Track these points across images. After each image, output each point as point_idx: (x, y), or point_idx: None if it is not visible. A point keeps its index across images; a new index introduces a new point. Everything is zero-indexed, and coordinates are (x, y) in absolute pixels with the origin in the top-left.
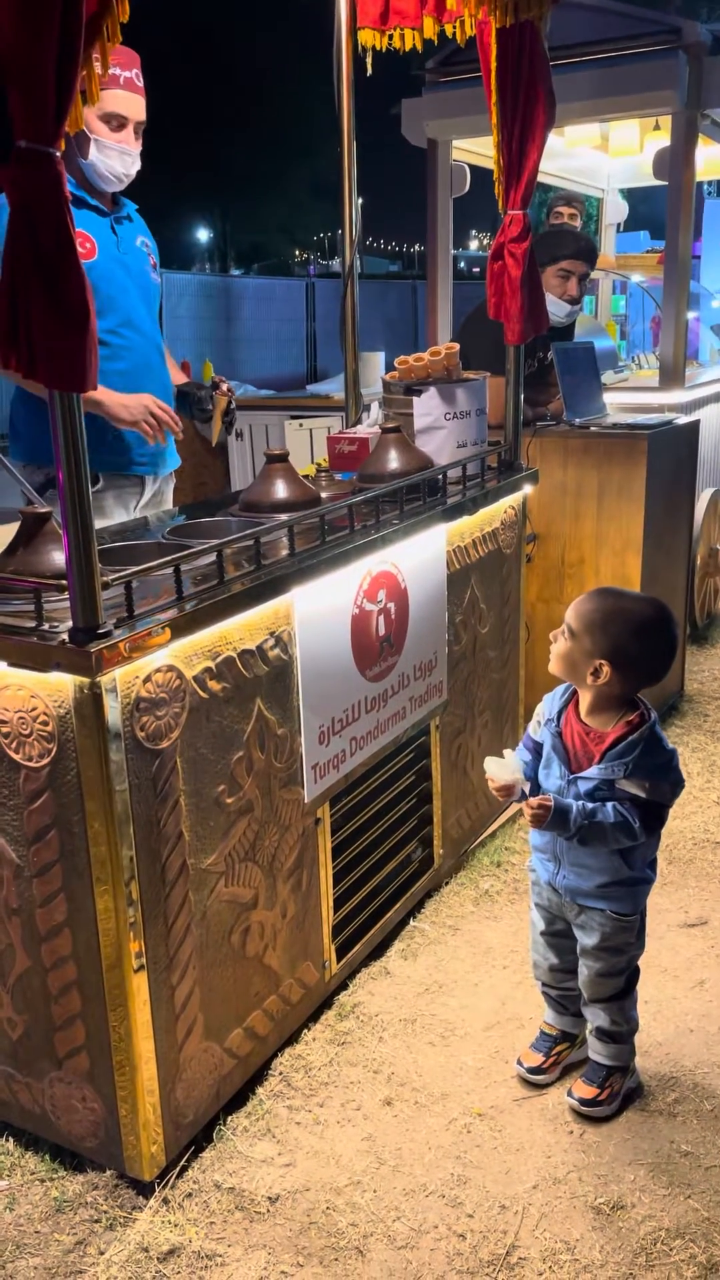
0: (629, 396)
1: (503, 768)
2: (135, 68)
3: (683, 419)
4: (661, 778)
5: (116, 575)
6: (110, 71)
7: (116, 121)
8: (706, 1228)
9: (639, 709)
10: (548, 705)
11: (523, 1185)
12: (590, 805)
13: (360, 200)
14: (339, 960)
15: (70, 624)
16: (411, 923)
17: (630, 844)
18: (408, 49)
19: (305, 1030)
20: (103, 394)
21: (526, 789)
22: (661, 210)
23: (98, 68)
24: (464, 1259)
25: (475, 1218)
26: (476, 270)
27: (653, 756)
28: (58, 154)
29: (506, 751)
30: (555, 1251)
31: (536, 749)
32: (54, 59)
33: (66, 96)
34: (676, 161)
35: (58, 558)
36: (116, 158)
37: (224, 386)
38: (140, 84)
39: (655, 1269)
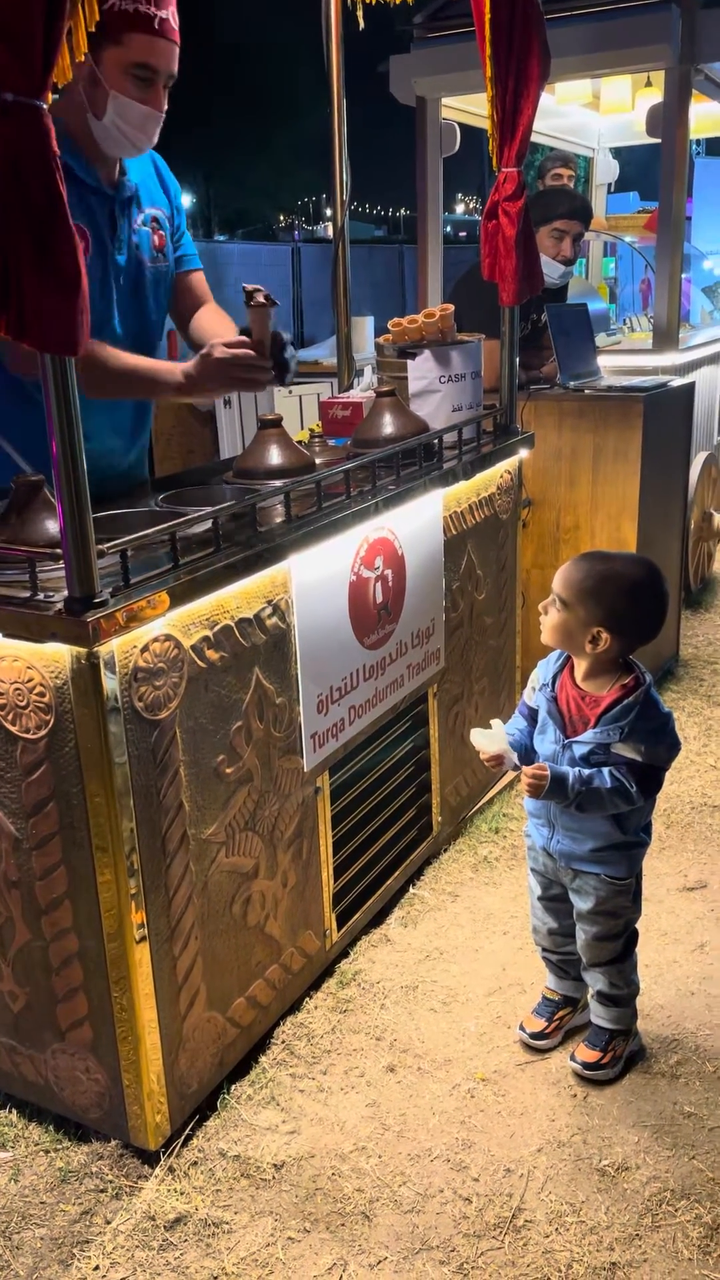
0: (623, 359)
1: (490, 739)
2: (171, 5)
3: (677, 381)
4: (658, 741)
5: (112, 544)
6: (138, 6)
7: (145, 74)
8: (711, 1188)
9: (634, 672)
10: (542, 671)
11: (527, 1149)
12: (587, 771)
13: (349, 161)
14: (340, 928)
15: (66, 593)
16: (411, 890)
17: (628, 808)
18: (396, 3)
19: (307, 998)
20: (176, 386)
21: (515, 759)
22: (649, 171)
23: (85, 15)
24: (470, 1222)
25: (480, 1181)
26: (463, 235)
27: (649, 720)
28: (45, 106)
29: (494, 722)
30: (561, 1214)
31: (532, 715)
32: (41, 4)
33: (54, 45)
34: (670, 118)
35: (51, 526)
36: (139, 122)
37: (259, 297)
38: (176, 25)
39: (660, 1230)
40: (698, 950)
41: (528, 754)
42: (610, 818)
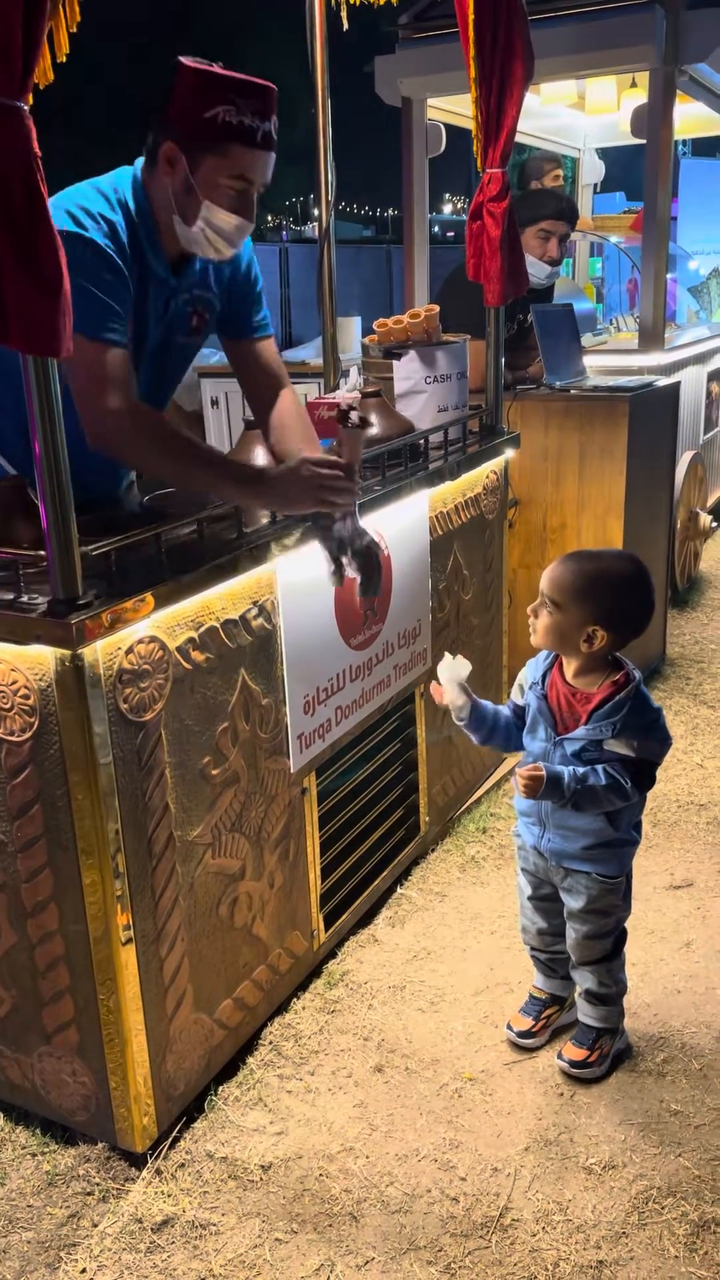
0: (608, 359)
1: (452, 672)
2: (274, 115)
3: (663, 381)
4: (649, 736)
5: (96, 545)
6: (243, 119)
7: (241, 186)
8: (697, 1185)
9: (623, 669)
10: (531, 670)
11: (514, 1148)
12: (581, 770)
13: (334, 162)
14: (327, 929)
15: (50, 595)
16: (399, 890)
17: (623, 804)
18: (380, 3)
19: (295, 999)
20: (254, 490)
21: (463, 712)
22: (635, 171)
23: (65, 15)
24: (457, 1222)
25: (468, 1181)
26: (451, 235)
27: (640, 715)
28: (26, 108)
29: (463, 662)
30: (548, 1212)
31: (519, 713)
32: (20, 5)
33: (34, 47)
34: (654, 118)
35: (35, 528)
36: (229, 233)
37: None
38: (276, 136)
39: (647, 1227)
40: (684, 948)
41: (491, 735)
42: (603, 815)
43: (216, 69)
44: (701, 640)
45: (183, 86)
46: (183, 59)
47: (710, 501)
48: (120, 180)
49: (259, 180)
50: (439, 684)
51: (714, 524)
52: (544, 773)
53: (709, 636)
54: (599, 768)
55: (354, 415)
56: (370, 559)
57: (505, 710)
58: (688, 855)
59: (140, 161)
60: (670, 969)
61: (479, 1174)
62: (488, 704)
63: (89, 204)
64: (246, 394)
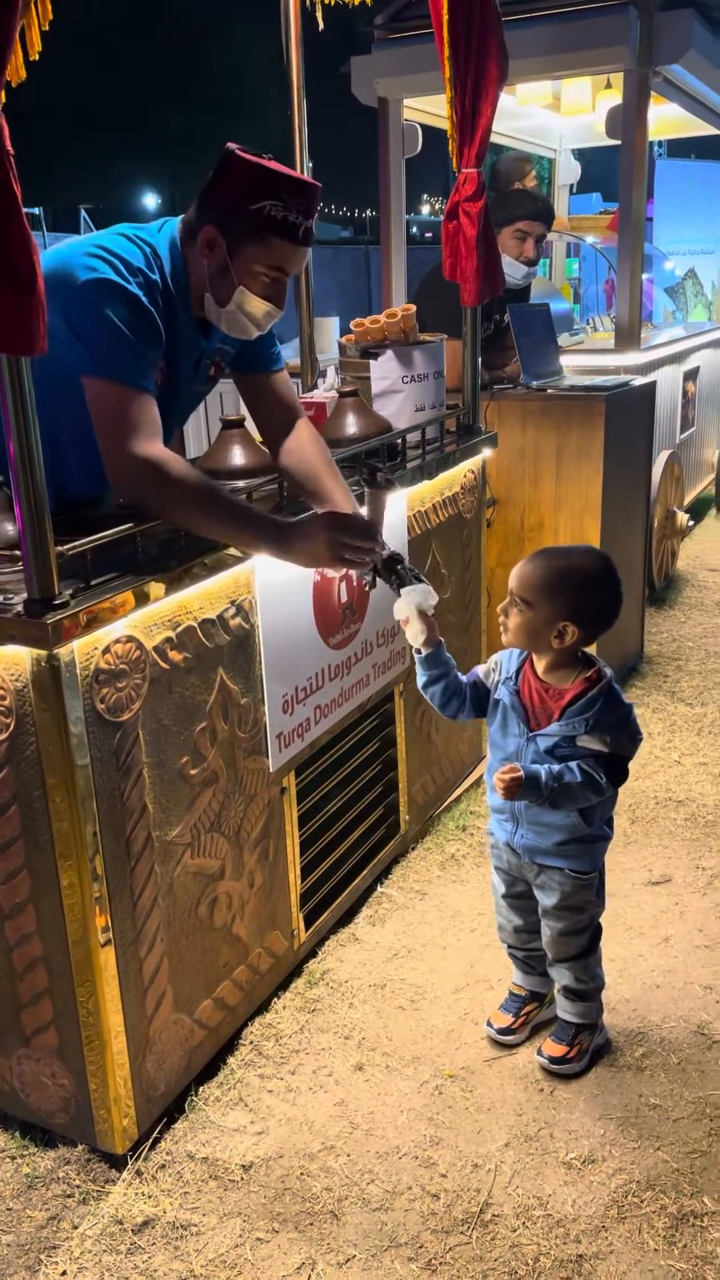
0: (585, 359)
1: (416, 599)
2: (315, 214)
3: (639, 381)
4: (622, 731)
5: (73, 545)
6: (288, 215)
7: (277, 275)
8: (676, 1179)
9: (595, 665)
10: (505, 663)
11: (495, 1144)
12: (557, 768)
13: (311, 163)
14: (307, 928)
15: (25, 595)
16: (379, 889)
17: (598, 799)
18: (355, 3)
19: (275, 999)
20: (278, 549)
21: (417, 640)
22: (612, 172)
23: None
24: (438, 1218)
25: (449, 1177)
26: (429, 235)
27: (612, 712)
28: None
29: (429, 591)
30: (528, 1207)
31: (478, 689)
32: None
33: (6, 43)
34: (629, 119)
35: (9, 528)
36: (260, 317)
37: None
38: (315, 232)
39: (627, 1221)
40: (662, 944)
41: (439, 683)
42: (576, 810)
43: (267, 162)
44: (679, 638)
45: (232, 176)
46: (234, 148)
47: (687, 500)
48: (158, 241)
49: (294, 271)
50: (404, 613)
51: (691, 522)
52: (522, 773)
53: (686, 634)
54: (574, 765)
55: (380, 476)
56: (391, 570)
57: (465, 676)
58: (665, 851)
59: (176, 225)
60: (649, 964)
61: (459, 1170)
62: (450, 656)
63: (129, 258)
64: (259, 423)
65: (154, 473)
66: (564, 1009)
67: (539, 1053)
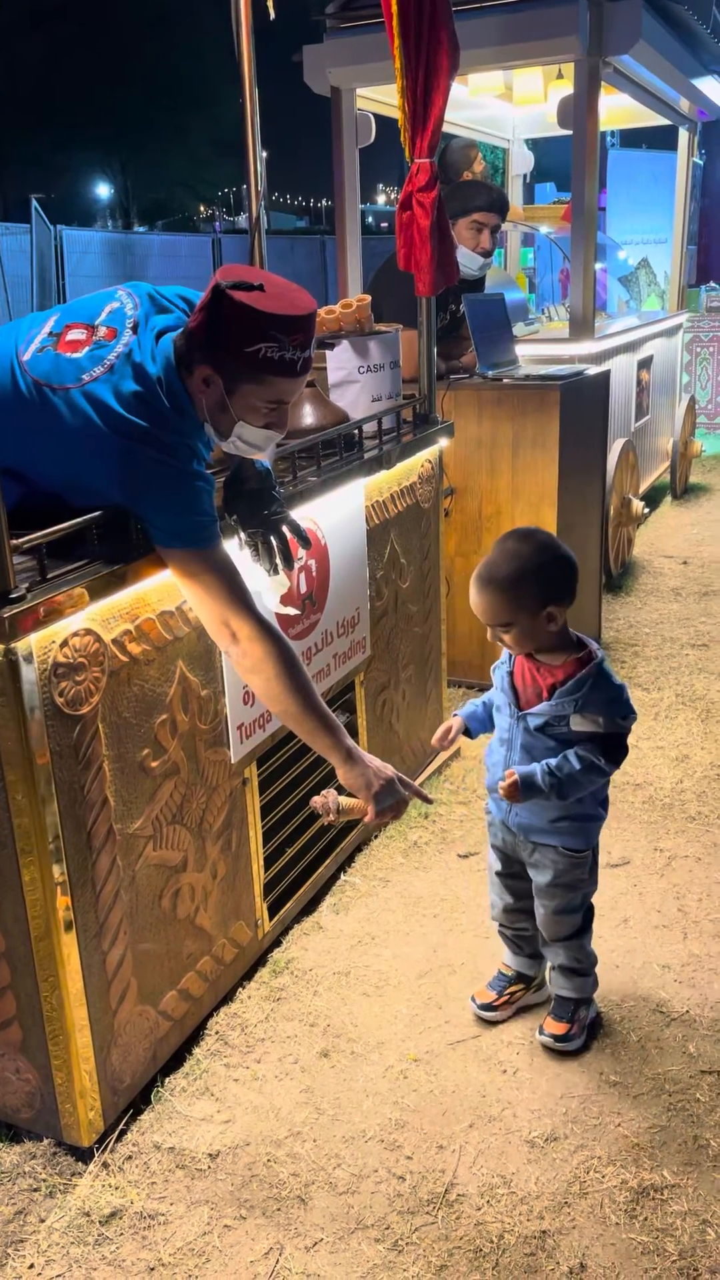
0: (540, 348)
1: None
2: (313, 340)
3: (593, 370)
4: (612, 710)
5: (28, 538)
6: (284, 354)
7: (274, 407)
8: (636, 1154)
9: (586, 647)
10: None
11: (459, 1125)
12: (554, 761)
13: (265, 154)
14: (271, 918)
15: None
16: (342, 877)
17: (603, 780)
18: None
19: (240, 988)
20: (348, 769)
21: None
22: (567, 162)
23: None
24: (404, 1200)
25: (414, 1159)
26: (385, 225)
27: (604, 691)
28: None
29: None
30: (492, 1186)
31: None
32: None
33: None
34: (580, 110)
35: None
36: (261, 444)
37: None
38: (312, 359)
39: (589, 1196)
40: (621, 925)
41: (487, 730)
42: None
43: (261, 306)
44: (635, 624)
45: (225, 318)
46: (226, 287)
47: (642, 488)
48: (167, 374)
49: (294, 398)
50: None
51: (646, 510)
52: (518, 778)
53: (642, 620)
54: (570, 753)
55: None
56: (279, 533)
57: (486, 698)
58: (624, 834)
59: (170, 354)
60: (609, 945)
61: (424, 1152)
62: (471, 706)
63: (156, 402)
64: None
65: (258, 651)
66: (560, 986)
67: (540, 1031)
